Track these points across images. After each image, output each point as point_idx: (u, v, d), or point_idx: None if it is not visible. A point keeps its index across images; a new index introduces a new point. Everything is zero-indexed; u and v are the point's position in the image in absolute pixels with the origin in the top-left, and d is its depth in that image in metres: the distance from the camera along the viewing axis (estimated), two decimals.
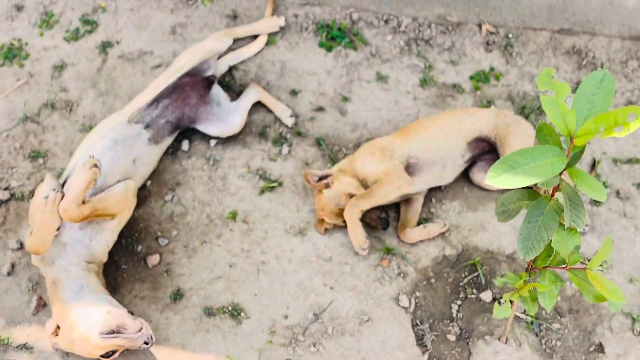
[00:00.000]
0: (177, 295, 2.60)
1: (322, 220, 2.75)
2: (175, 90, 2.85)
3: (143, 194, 2.86)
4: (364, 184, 2.73)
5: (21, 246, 2.72)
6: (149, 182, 2.89)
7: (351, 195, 2.67)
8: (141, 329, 2.20)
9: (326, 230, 2.77)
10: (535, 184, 2.68)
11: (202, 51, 2.92)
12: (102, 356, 2.28)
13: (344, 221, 2.72)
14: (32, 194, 2.85)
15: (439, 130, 2.77)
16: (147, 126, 2.74)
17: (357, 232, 2.62)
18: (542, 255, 2.01)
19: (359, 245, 2.63)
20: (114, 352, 2.29)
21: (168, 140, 2.88)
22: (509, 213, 1.94)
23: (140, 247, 2.73)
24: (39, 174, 2.91)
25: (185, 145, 3.00)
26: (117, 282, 2.63)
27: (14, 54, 3.27)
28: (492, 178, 1.57)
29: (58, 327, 2.30)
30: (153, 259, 2.68)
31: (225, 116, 2.94)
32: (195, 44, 3.08)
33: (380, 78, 3.19)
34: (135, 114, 2.73)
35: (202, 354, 2.45)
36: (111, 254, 2.58)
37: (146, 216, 2.80)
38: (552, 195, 1.78)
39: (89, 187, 2.33)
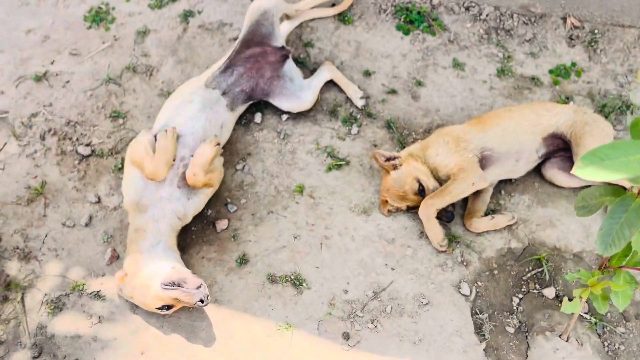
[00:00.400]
0: (243, 260, 2.68)
1: (385, 202, 2.76)
2: (248, 59, 2.92)
3: None
4: (434, 173, 2.72)
5: (99, 200, 2.86)
6: (221, 150, 2.97)
7: (418, 180, 2.67)
8: (200, 286, 2.28)
9: (389, 212, 2.78)
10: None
11: (250, 12, 2.97)
12: (158, 309, 2.38)
13: (407, 206, 2.73)
14: (111, 151, 2.98)
15: (516, 123, 2.73)
16: (223, 93, 2.83)
17: (435, 230, 2.63)
18: (619, 255, 1.97)
19: (437, 242, 2.64)
20: (169, 307, 2.38)
21: (241, 109, 2.96)
22: (589, 208, 1.91)
23: (210, 212, 2.82)
24: (118, 133, 3.04)
25: (258, 117, 3.06)
26: (186, 243, 2.74)
27: (101, 17, 3.41)
28: (580, 169, 1.54)
29: (126, 275, 2.42)
30: (222, 224, 2.77)
31: (297, 92, 2.99)
32: None
33: (457, 65, 3.15)
34: (211, 79, 2.82)
35: (263, 319, 2.53)
36: None
37: None
38: (639, 193, 1.74)
39: (213, 160, 2.61)
